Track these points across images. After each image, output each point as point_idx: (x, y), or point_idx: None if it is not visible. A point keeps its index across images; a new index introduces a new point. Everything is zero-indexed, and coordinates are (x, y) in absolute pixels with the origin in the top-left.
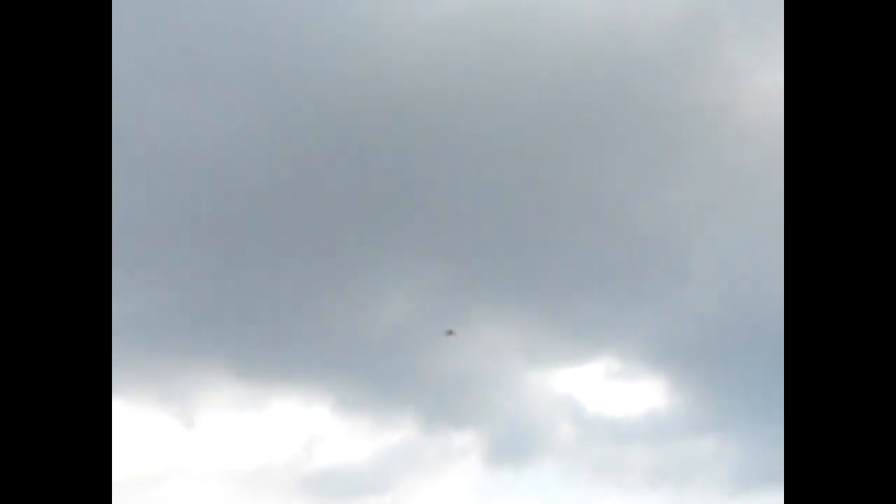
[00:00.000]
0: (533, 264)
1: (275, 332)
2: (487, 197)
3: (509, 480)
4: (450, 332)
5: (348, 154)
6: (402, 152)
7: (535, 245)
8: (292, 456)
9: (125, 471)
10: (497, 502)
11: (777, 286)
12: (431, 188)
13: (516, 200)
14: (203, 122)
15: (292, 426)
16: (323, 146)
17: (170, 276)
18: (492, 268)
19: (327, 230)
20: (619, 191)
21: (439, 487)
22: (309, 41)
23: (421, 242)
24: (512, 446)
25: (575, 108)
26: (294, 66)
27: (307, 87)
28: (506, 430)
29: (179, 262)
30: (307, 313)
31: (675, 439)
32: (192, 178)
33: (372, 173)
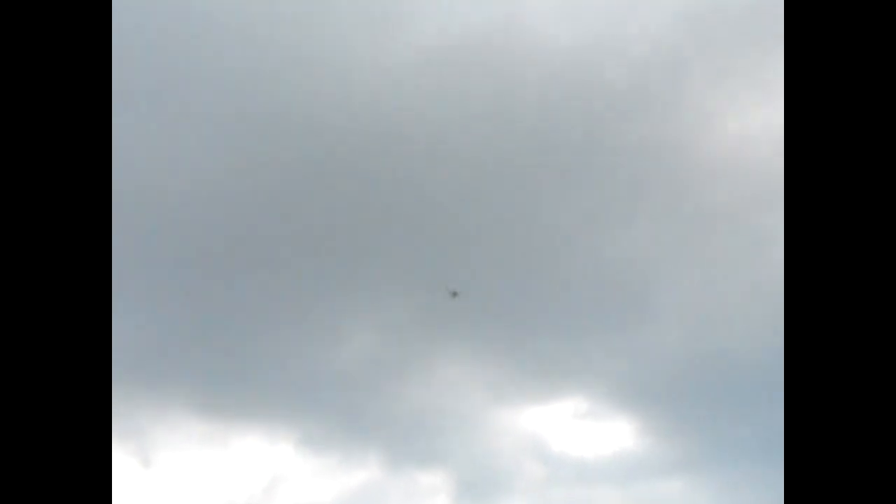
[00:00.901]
0: (500, 302)
1: (239, 367)
2: (455, 235)
3: None
4: (454, 294)
5: (315, 194)
6: (369, 193)
7: (503, 283)
8: (253, 496)
9: None
10: None
11: (743, 325)
12: (397, 227)
13: (484, 239)
14: (170, 157)
15: (254, 464)
16: (289, 187)
17: (128, 309)
18: (458, 305)
19: (292, 268)
20: (587, 230)
21: None
22: (277, 78)
23: (387, 280)
24: (479, 486)
25: (547, 147)
26: (262, 104)
27: (274, 127)
28: (473, 469)
29: (138, 295)
30: (271, 349)
31: (642, 480)
32: (155, 213)
33: (338, 213)
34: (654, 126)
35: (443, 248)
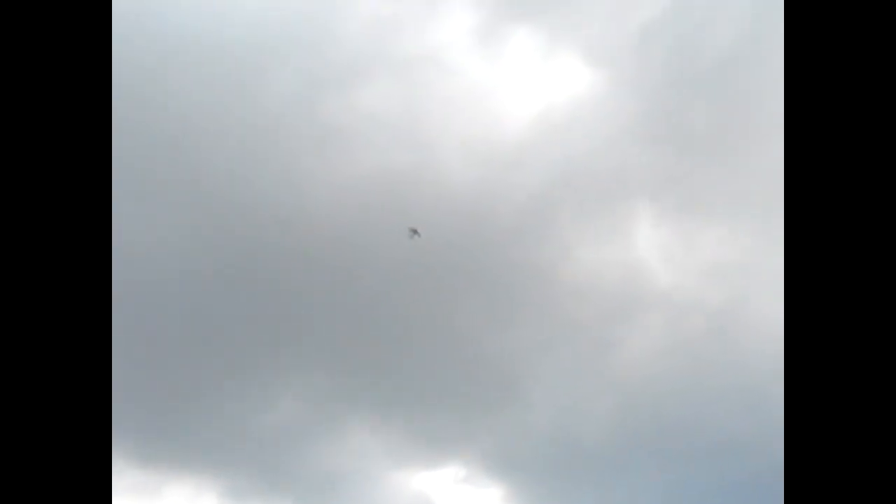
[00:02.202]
0: (403, 382)
1: (178, 422)
2: (367, 322)
3: None
4: (414, 232)
5: (257, 280)
6: (302, 285)
7: (405, 365)
8: None
9: None
10: None
11: (593, 415)
12: (324, 314)
13: (395, 330)
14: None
15: None
16: (235, 272)
17: None
18: (367, 382)
19: (233, 340)
20: (475, 326)
21: None
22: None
23: (312, 356)
24: None
25: (447, 263)
26: (218, 198)
27: (229, 219)
28: None
29: None
30: (208, 407)
31: None
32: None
33: (276, 298)
34: (530, 253)
35: (360, 336)
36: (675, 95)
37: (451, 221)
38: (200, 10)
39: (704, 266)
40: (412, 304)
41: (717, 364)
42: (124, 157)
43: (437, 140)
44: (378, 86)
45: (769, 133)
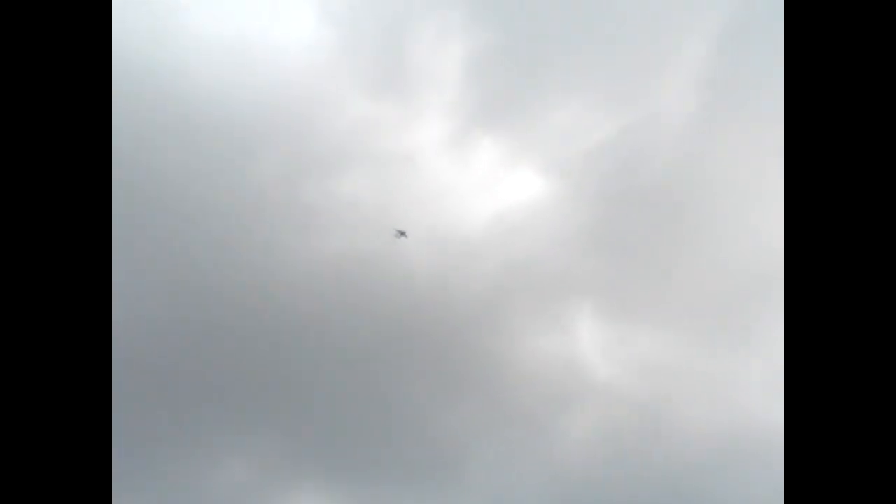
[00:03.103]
0: (351, 453)
1: (135, 477)
2: (324, 392)
3: None
4: (401, 234)
5: (216, 350)
6: (259, 357)
7: (353, 437)
8: None
9: None
10: None
11: (528, 495)
12: (279, 386)
13: (348, 400)
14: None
15: None
16: (196, 341)
17: None
18: (319, 451)
19: (189, 404)
20: (426, 404)
21: None
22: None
23: (265, 424)
24: None
25: (402, 337)
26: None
27: (196, 275)
28: None
29: None
30: (163, 466)
31: None
32: None
33: (234, 368)
34: (482, 339)
35: (316, 404)
36: (616, 209)
37: (413, 304)
38: (202, 88)
39: (636, 364)
40: (369, 377)
41: (645, 455)
42: (122, 219)
43: (405, 229)
44: (356, 176)
45: (696, 246)
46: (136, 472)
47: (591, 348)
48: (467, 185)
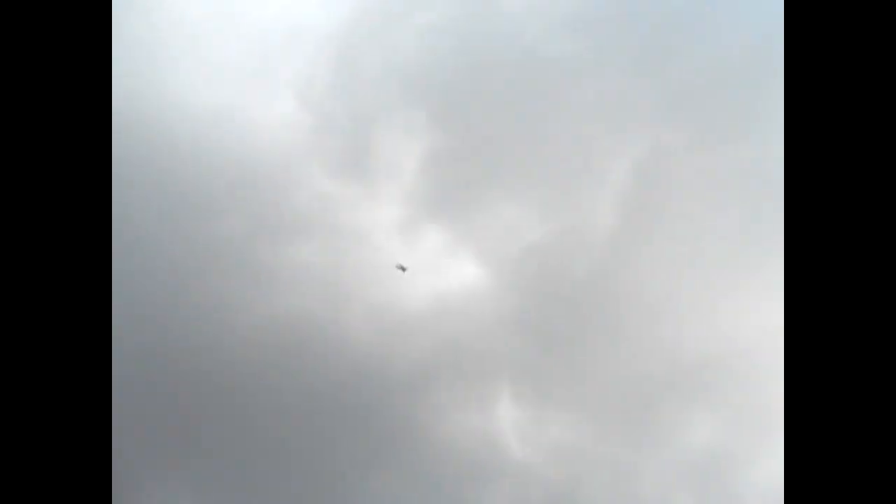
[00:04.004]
0: None
1: None
2: (256, 449)
3: None
4: (402, 268)
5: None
6: (199, 404)
7: (280, 492)
8: None
9: None
10: None
11: None
12: (214, 434)
13: (276, 457)
14: None
15: None
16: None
17: None
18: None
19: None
20: (349, 469)
21: None
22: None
23: (200, 475)
24: None
25: (337, 402)
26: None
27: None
28: None
29: None
30: None
31: None
32: None
33: (170, 414)
34: (409, 410)
35: (247, 461)
36: (542, 304)
37: (349, 372)
38: (180, 144)
39: (549, 445)
40: (301, 437)
41: None
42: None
43: (349, 299)
44: (311, 244)
45: (611, 344)
46: None
47: (509, 427)
48: (411, 266)
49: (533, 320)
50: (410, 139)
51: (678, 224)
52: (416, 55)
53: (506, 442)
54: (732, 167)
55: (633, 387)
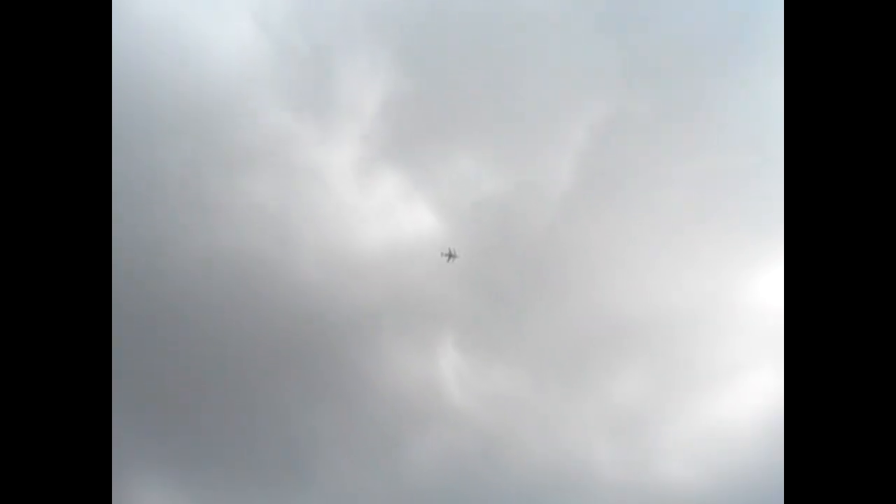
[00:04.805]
0: (206, 442)
1: None
2: (187, 384)
3: None
4: (450, 256)
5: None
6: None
7: (211, 428)
8: None
9: None
10: None
11: None
12: (149, 361)
13: (209, 395)
14: None
15: None
16: None
17: None
18: (173, 439)
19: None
20: (285, 407)
21: None
22: None
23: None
24: None
25: (275, 342)
26: None
27: None
28: None
29: None
30: None
31: None
32: None
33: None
34: (352, 352)
35: (176, 395)
36: (492, 256)
37: (295, 310)
38: (129, 66)
39: (487, 394)
40: (244, 372)
41: (484, 479)
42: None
43: (299, 240)
44: (261, 180)
45: (555, 300)
46: None
47: (451, 375)
48: (365, 209)
49: (482, 272)
50: (373, 79)
51: (633, 192)
52: None
53: (446, 388)
54: (693, 141)
55: (571, 343)
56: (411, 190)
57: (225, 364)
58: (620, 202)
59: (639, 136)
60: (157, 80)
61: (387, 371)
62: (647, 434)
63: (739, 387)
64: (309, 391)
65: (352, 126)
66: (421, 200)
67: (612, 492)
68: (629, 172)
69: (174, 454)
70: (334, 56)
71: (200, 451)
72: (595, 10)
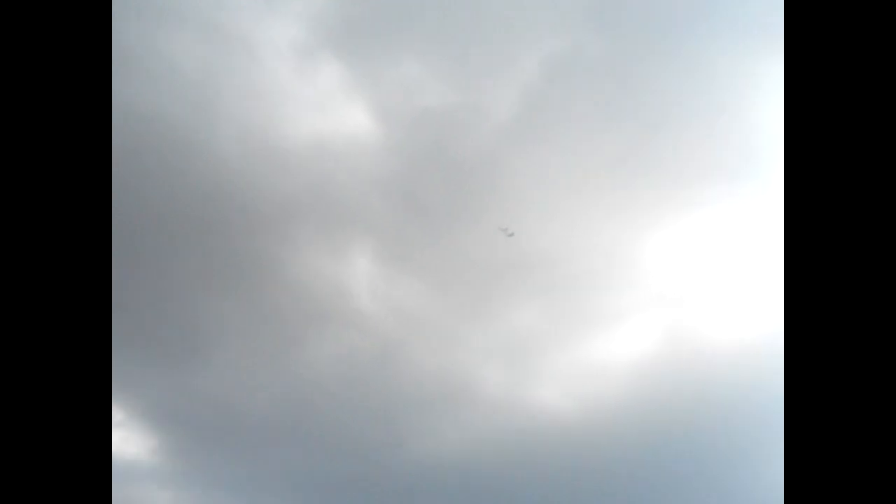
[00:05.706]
0: None
1: None
2: None
3: None
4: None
5: None
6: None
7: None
8: None
9: None
10: None
11: (265, 397)
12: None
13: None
14: None
15: None
16: None
17: None
18: None
19: None
20: (188, 289)
21: None
22: None
23: None
24: None
25: (188, 222)
26: None
27: None
28: None
29: None
30: None
31: None
32: None
33: None
34: (268, 244)
35: None
36: (425, 171)
37: (209, 187)
38: None
39: (392, 303)
40: (148, 250)
41: (377, 383)
42: None
43: (223, 111)
44: (184, 36)
45: (479, 225)
46: None
47: (362, 282)
48: (301, 98)
49: (409, 185)
50: None
51: (574, 133)
52: None
53: (355, 292)
54: (646, 90)
55: (481, 268)
56: (352, 85)
57: (127, 236)
58: (559, 141)
59: (589, 78)
60: None
61: (299, 266)
62: (532, 362)
63: (617, 334)
64: (216, 274)
65: (299, 2)
66: (360, 99)
67: (491, 406)
68: (574, 113)
69: None
70: None
71: None
72: None
